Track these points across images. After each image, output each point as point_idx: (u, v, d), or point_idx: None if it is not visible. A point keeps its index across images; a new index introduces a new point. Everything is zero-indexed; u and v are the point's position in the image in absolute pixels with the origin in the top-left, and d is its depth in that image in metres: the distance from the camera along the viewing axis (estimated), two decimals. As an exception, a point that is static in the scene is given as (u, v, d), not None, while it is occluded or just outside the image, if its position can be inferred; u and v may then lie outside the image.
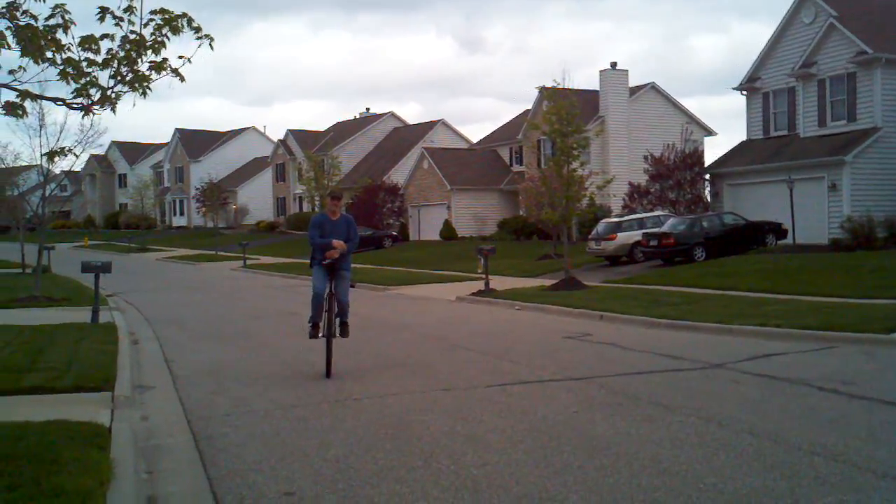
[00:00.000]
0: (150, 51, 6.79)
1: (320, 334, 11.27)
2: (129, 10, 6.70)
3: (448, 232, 52.70)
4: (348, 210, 61.48)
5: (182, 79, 6.90)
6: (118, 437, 7.65)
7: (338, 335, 11.29)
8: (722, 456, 6.85)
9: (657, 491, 6.01)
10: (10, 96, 6.58)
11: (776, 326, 14.51)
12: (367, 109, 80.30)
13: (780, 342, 13.47)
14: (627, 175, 43.38)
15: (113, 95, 6.83)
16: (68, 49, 6.67)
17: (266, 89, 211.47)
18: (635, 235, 32.01)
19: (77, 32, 6.66)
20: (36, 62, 6.56)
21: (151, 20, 6.79)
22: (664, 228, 30.55)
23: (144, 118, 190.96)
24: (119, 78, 6.81)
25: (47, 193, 26.18)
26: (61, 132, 47.14)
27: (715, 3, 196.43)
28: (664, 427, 7.88)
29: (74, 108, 6.94)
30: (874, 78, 31.12)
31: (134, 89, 6.86)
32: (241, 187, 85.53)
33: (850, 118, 32.09)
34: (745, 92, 37.60)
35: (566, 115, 24.66)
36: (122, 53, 6.74)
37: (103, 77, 6.80)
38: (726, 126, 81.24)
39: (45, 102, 9.28)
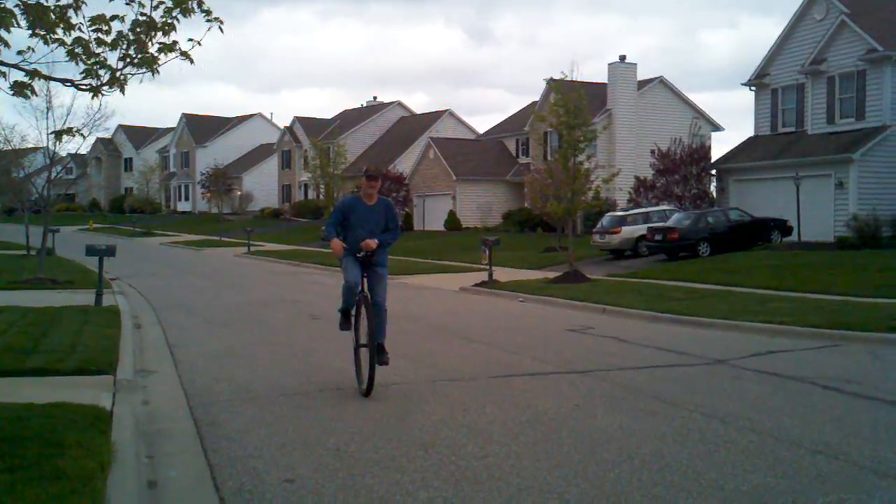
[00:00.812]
0: (160, 32, 6.77)
1: (352, 320, 9.54)
2: (140, -10, 6.68)
3: (452, 222, 52.64)
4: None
5: (192, 61, 6.88)
6: (120, 420, 7.66)
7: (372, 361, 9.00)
8: (723, 452, 6.84)
9: (657, 486, 6.00)
10: (19, 76, 6.57)
11: (780, 323, 14.46)
12: (375, 98, 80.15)
13: (785, 339, 13.43)
14: (633, 169, 43.30)
15: (122, 77, 6.81)
16: (78, 29, 6.65)
17: (274, 76, 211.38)
18: (640, 229, 31.99)
19: (87, 12, 6.64)
20: (45, 42, 6.54)
21: (162, 2, 6.77)
22: (669, 223, 30.52)
23: (152, 103, 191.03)
24: (128, 59, 6.79)
25: (53, 176, 26.14)
26: (68, 114, 46.97)
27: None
28: (666, 422, 7.86)
29: (83, 89, 6.92)
30: (884, 76, 30.99)
31: (143, 70, 6.84)
32: (247, 174, 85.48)
33: (859, 116, 31.97)
34: (753, 87, 37.47)
35: (573, 107, 24.58)
36: (132, 35, 6.72)
37: (112, 58, 6.79)
38: (734, 122, 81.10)
39: (52, 84, 9.25)
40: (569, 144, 24.79)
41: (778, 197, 32.81)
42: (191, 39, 6.83)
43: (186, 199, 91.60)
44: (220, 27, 6.88)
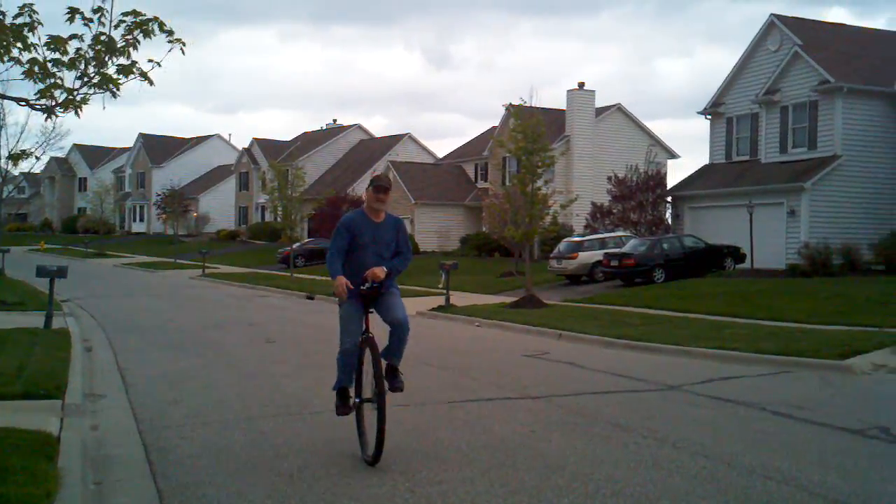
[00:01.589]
0: (119, 54, 6.71)
1: (352, 402, 7.63)
2: (100, 11, 6.63)
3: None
4: (311, 222, 61.05)
5: (151, 82, 6.83)
6: (67, 446, 7.50)
7: (385, 389, 7.34)
8: (676, 478, 6.87)
9: (611, 512, 6.00)
10: (-29, 94, 6.47)
11: (734, 350, 14.63)
12: (335, 121, 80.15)
13: (738, 365, 13.58)
14: (591, 195, 43.75)
15: (78, 98, 6.74)
16: (34, 48, 6.57)
17: (233, 97, 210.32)
18: (597, 255, 32.24)
19: (44, 32, 6.57)
20: (0, 60, 6.46)
21: (122, 21, 6.71)
22: (625, 249, 30.80)
23: (108, 122, 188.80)
24: (86, 79, 6.72)
25: (4, 195, 25.72)
26: (22, 132, 46.47)
27: (684, 28, 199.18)
28: (620, 448, 7.89)
29: (37, 110, 6.84)
30: (835, 107, 31.69)
31: (102, 90, 6.77)
32: (204, 195, 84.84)
33: (811, 146, 32.62)
34: (709, 116, 38.11)
35: (532, 133, 24.79)
36: (90, 54, 6.65)
37: (69, 78, 6.71)
38: (690, 149, 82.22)
39: (6, 102, 9.13)
40: (527, 170, 24.96)
41: (732, 224, 33.28)
42: (151, 60, 6.79)
43: (141, 219, 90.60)
44: (181, 48, 6.84)
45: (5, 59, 6.46)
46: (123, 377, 12.16)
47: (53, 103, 6.72)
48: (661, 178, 40.54)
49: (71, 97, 6.72)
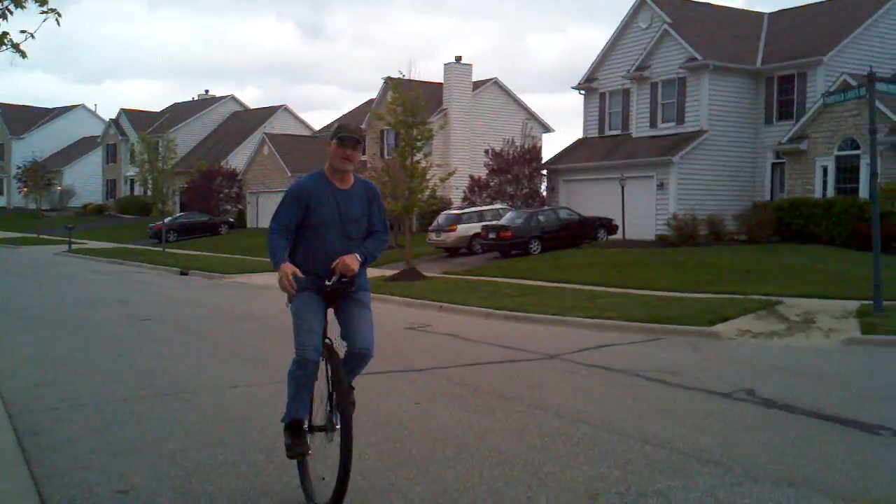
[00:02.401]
0: None
1: (308, 440, 5.81)
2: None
3: (288, 220, 51.84)
4: (183, 195, 59.08)
5: (24, 55, 6.47)
6: (-69, 434, 7.12)
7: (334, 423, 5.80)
8: (559, 445, 7.07)
9: (497, 481, 6.13)
10: None
11: (608, 318, 15.11)
12: (207, 91, 78.01)
13: (612, 333, 14.04)
14: (468, 168, 44.12)
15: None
16: None
17: (99, 67, 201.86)
18: (475, 228, 32.63)
19: None
20: None
21: None
22: (502, 222, 31.27)
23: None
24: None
25: None
26: None
27: (556, 5, 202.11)
28: (504, 417, 8.05)
29: None
30: (702, 83, 32.87)
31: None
32: (68, 167, 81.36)
33: (679, 121, 33.79)
34: (583, 91, 38.95)
35: (411, 106, 24.79)
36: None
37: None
38: (565, 124, 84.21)
39: None
40: (406, 143, 24.97)
41: (605, 196, 34.21)
42: (24, 31, 6.44)
43: (1, 193, 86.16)
44: (56, 19, 6.50)
45: None
46: (-11, 360, 11.59)
47: None
48: (536, 151, 41.20)
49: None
